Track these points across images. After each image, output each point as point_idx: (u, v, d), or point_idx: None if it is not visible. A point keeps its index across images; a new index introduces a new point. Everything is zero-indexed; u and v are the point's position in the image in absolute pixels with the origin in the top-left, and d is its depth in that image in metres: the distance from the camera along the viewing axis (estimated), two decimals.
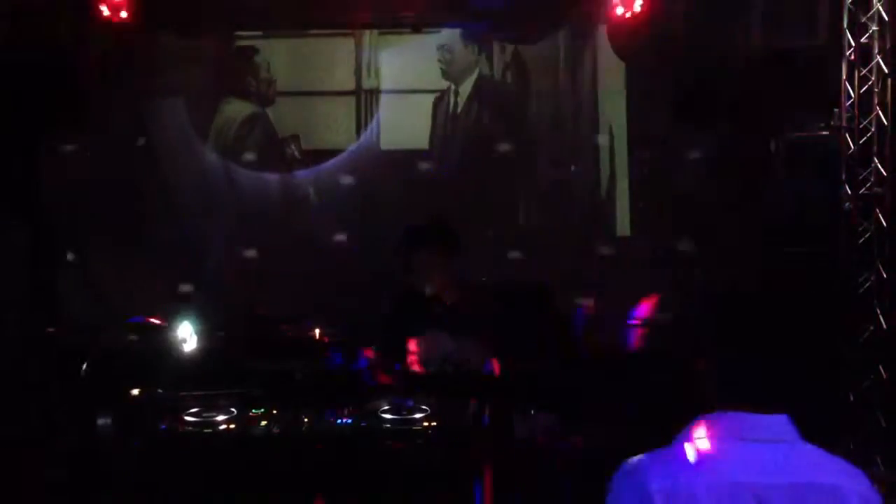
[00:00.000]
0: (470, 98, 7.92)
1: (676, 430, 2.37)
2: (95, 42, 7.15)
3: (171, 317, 5.65)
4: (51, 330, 6.66)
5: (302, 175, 7.91)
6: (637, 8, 6.92)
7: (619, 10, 7.02)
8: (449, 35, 7.83)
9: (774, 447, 2.26)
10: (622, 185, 7.73)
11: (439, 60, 7.88)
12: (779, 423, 2.29)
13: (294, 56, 7.89)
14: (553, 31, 7.65)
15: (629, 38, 7.24)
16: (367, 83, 7.90)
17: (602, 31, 7.55)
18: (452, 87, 7.95)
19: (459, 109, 7.94)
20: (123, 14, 7.05)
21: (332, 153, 7.87)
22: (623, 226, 7.72)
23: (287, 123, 7.95)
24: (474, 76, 7.92)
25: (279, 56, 7.91)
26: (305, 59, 7.89)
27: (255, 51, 7.92)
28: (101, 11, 7.01)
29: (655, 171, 7.43)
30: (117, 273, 7.22)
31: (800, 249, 6.37)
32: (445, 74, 7.93)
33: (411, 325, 4.60)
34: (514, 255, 7.46)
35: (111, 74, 7.33)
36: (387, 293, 5.21)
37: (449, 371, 4.35)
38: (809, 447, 2.30)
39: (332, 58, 7.87)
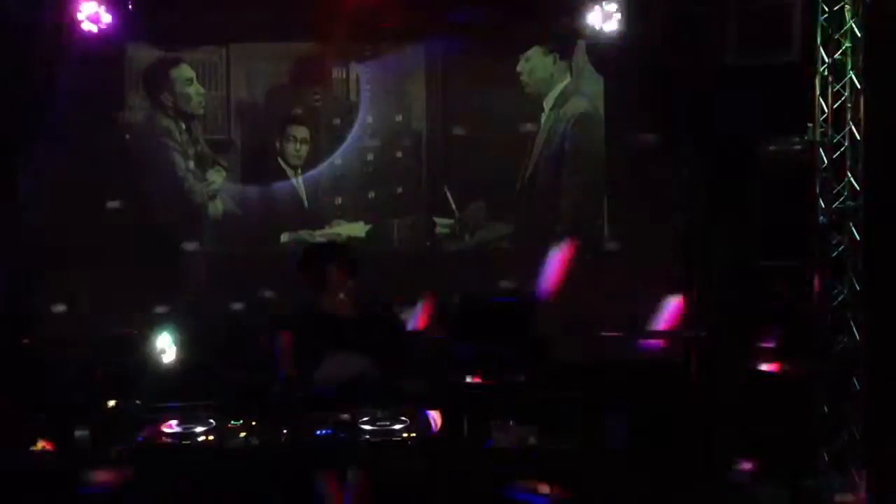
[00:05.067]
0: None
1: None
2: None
3: (149, 328, 5.63)
4: (26, 341, 6.60)
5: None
6: (616, 24, 6.97)
7: (599, 27, 7.06)
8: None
9: None
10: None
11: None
12: None
13: None
14: (533, 45, 7.68)
15: (608, 54, 7.29)
16: None
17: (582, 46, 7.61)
18: None
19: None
20: None
21: None
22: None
23: None
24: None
25: None
26: None
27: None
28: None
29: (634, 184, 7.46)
30: (94, 284, 7.17)
31: (775, 263, 6.44)
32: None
33: (317, 341, 4.63)
34: None
35: None
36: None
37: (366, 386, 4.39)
38: None
39: None
